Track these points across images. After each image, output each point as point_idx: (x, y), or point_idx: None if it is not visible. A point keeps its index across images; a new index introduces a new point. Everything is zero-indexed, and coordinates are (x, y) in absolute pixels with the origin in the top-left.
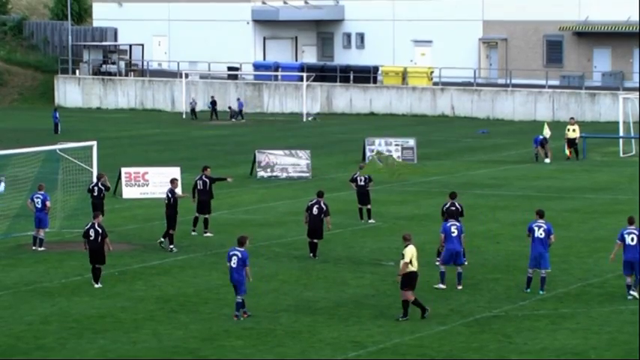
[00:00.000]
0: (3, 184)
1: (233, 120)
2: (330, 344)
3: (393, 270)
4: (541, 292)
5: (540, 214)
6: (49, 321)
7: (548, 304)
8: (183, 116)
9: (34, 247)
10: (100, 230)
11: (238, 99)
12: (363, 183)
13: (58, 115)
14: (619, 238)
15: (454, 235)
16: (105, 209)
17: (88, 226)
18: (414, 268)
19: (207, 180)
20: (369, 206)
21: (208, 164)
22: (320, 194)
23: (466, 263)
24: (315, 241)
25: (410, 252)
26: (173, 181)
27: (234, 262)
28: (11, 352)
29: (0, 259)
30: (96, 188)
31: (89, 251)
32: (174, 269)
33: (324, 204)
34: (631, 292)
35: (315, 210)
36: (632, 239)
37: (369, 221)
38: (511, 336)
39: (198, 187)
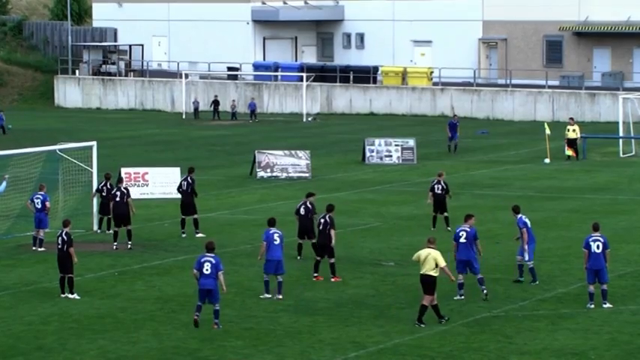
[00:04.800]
0: (5, 183)
1: (250, 121)
2: (330, 344)
3: (393, 270)
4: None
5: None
6: (48, 321)
7: (548, 304)
8: (183, 116)
9: (33, 248)
10: (66, 238)
11: (252, 98)
12: (440, 191)
13: (3, 116)
14: (584, 246)
15: (276, 243)
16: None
17: (58, 234)
18: (421, 271)
19: (191, 181)
20: (445, 214)
21: (194, 165)
22: (308, 195)
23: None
24: (304, 241)
25: (418, 254)
26: (121, 179)
27: (207, 269)
28: (11, 352)
29: (0, 260)
30: (105, 188)
31: (57, 260)
32: (174, 269)
33: (311, 203)
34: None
35: (302, 210)
36: (598, 246)
37: (448, 228)
38: (511, 336)
39: (182, 188)
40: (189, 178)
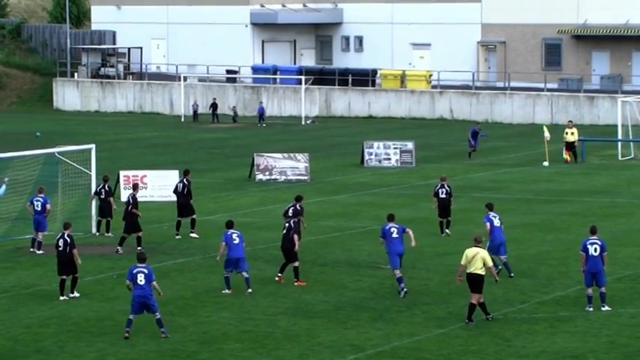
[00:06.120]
0: (4, 186)
1: (259, 125)
2: (328, 347)
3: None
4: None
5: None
6: (47, 324)
7: (546, 307)
8: (182, 119)
9: (31, 249)
10: (69, 240)
11: (260, 102)
12: (444, 196)
13: None
14: (582, 249)
15: (235, 242)
16: (113, 210)
17: (58, 236)
18: (470, 269)
19: (187, 183)
20: (449, 218)
21: (189, 168)
22: (298, 198)
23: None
24: None
25: (465, 253)
26: (135, 187)
27: (141, 280)
28: (10, 355)
29: None
30: (103, 191)
31: (57, 262)
32: (172, 272)
33: (300, 206)
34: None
35: (290, 212)
36: (595, 249)
37: (446, 231)
38: (509, 339)
39: (179, 190)
40: (185, 180)
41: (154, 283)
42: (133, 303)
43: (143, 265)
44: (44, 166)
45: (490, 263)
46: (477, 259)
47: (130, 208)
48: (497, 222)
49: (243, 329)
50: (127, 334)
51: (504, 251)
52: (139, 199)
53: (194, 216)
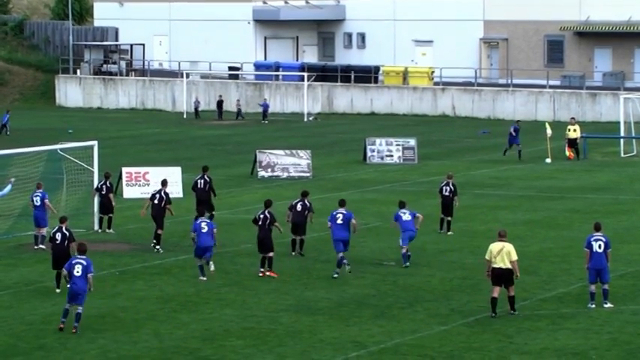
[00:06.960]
0: (10, 185)
1: (263, 121)
2: (330, 344)
3: (394, 270)
4: None
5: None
6: (49, 320)
7: (548, 304)
8: (184, 116)
9: (35, 247)
10: (68, 234)
11: (265, 99)
12: (447, 194)
13: (8, 116)
14: (586, 246)
15: (204, 231)
16: (114, 206)
17: (55, 230)
18: (496, 264)
19: (209, 180)
20: (449, 218)
21: (208, 165)
22: (304, 194)
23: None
24: (299, 237)
25: (489, 248)
26: (164, 183)
27: (77, 271)
28: (12, 351)
29: (0, 259)
30: (104, 187)
31: (53, 256)
32: (174, 269)
33: (308, 201)
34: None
35: (299, 207)
36: (600, 246)
37: (448, 233)
38: (512, 336)
39: (199, 186)
40: (205, 177)
41: (90, 276)
42: (68, 294)
43: (83, 257)
44: (47, 163)
45: (514, 257)
46: (503, 254)
47: (163, 204)
48: (407, 217)
49: (245, 326)
50: (61, 325)
51: (407, 242)
52: (141, 196)
53: (213, 212)
